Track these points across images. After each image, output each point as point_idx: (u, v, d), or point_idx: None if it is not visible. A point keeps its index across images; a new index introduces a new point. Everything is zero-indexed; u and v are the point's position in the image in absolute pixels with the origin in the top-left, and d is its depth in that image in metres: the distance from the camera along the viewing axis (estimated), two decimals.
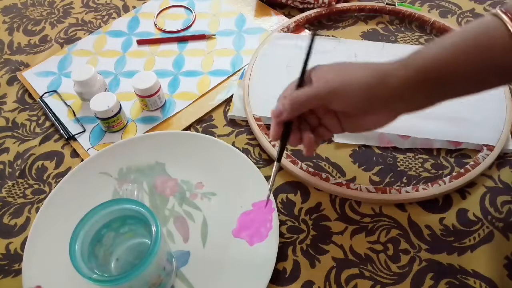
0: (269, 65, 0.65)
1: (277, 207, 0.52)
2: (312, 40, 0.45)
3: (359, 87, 0.41)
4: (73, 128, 0.62)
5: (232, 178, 0.54)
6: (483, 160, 0.53)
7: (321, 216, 0.52)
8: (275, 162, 0.47)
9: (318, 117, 0.46)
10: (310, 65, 0.45)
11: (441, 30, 0.68)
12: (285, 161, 0.55)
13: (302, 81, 0.45)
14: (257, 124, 0.59)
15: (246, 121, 0.61)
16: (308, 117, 0.46)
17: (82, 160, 0.58)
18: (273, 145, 0.56)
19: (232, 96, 0.64)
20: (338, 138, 0.58)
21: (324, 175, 0.54)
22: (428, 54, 0.41)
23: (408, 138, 0.56)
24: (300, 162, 0.55)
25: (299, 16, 0.72)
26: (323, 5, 0.72)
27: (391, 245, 0.49)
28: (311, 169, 0.54)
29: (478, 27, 0.40)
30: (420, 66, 0.40)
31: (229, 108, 0.63)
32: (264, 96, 0.62)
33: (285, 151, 0.55)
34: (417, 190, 0.51)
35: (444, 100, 0.42)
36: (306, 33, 0.71)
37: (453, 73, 0.40)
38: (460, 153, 0.56)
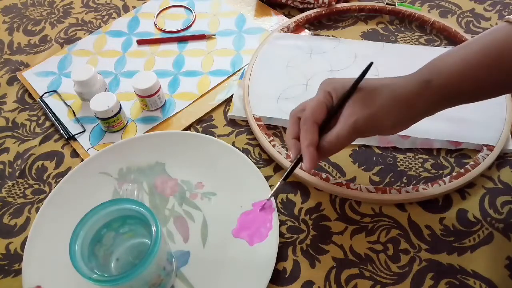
0: (269, 65, 0.65)
1: (277, 207, 0.52)
2: (367, 69, 0.45)
3: (390, 122, 0.43)
4: (73, 128, 0.62)
5: (232, 178, 0.54)
6: (483, 160, 0.53)
7: (321, 216, 0.52)
8: (281, 179, 0.49)
9: None
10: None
11: (441, 30, 0.68)
12: (285, 161, 0.55)
13: (339, 108, 0.45)
14: (257, 124, 0.59)
15: (246, 121, 0.61)
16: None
17: (82, 160, 0.58)
18: (273, 145, 0.56)
19: (232, 96, 0.64)
20: None
21: (324, 175, 0.54)
22: (448, 66, 0.42)
23: (408, 138, 0.56)
24: (300, 162, 0.55)
25: (299, 16, 0.72)
26: (323, 5, 0.72)
27: (391, 245, 0.49)
28: None
29: (495, 35, 0.41)
30: (443, 82, 0.41)
31: (229, 108, 0.63)
32: (264, 96, 0.62)
33: (284, 151, 0.56)
34: (417, 190, 0.51)
35: (462, 104, 0.44)
36: (306, 33, 0.71)
37: (475, 82, 0.41)
38: (460, 153, 0.56)
